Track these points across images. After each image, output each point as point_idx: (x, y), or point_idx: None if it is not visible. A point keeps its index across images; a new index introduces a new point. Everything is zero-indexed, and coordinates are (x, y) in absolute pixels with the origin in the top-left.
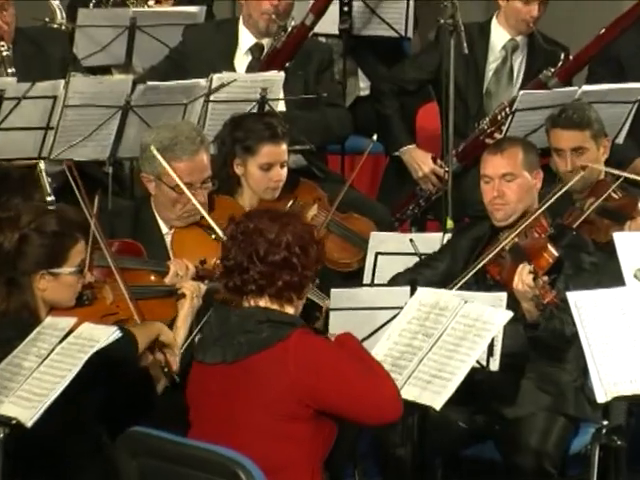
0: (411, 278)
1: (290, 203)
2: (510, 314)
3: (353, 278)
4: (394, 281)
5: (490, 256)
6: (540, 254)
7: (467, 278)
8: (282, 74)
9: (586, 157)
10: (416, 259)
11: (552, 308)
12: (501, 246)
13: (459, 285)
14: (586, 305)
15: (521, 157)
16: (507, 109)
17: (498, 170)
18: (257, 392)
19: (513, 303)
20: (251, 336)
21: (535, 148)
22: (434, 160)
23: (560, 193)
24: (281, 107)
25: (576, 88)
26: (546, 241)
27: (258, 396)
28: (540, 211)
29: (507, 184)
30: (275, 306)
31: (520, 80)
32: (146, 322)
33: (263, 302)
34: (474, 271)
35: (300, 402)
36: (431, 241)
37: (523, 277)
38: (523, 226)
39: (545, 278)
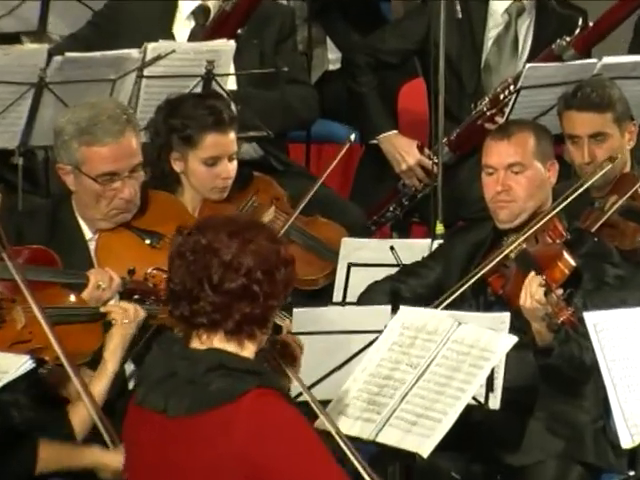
0: (392, 289)
1: (242, 205)
2: (514, 339)
3: (320, 296)
4: (370, 292)
5: (491, 265)
6: (554, 264)
7: (462, 292)
8: (233, 43)
9: (608, 145)
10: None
11: (568, 330)
12: (505, 253)
13: (451, 300)
14: (608, 328)
15: (532, 144)
16: (511, 87)
17: (504, 159)
18: (197, 459)
19: (520, 324)
20: (197, 389)
21: (549, 134)
22: (420, 149)
23: (581, 190)
24: (231, 84)
25: (595, 61)
26: (561, 248)
27: (197, 464)
28: (555, 211)
29: (515, 177)
30: (232, 345)
31: (527, 51)
32: (79, 449)
33: (217, 340)
34: (470, 283)
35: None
36: (417, 249)
37: (532, 291)
38: (533, 229)
39: (560, 292)
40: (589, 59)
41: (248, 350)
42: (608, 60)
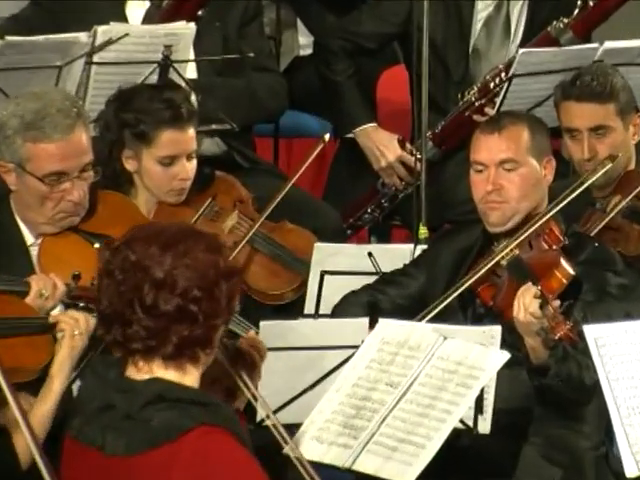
0: (370, 300)
1: (201, 209)
2: (506, 356)
3: (289, 308)
4: (345, 304)
5: (480, 273)
6: (550, 272)
7: (448, 303)
8: (193, 26)
9: (610, 140)
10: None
11: (566, 346)
12: (495, 260)
13: (436, 313)
14: (611, 343)
15: (526, 138)
16: (502, 74)
17: (495, 155)
18: None
19: (513, 339)
20: (136, 426)
21: (545, 127)
22: (402, 144)
23: (580, 190)
24: (191, 72)
25: (597, 45)
26: (558, 254)
27: None
28: (551, 213)
29: (507, 174)
30: (172, 371)
31: (520, 34)
32: None
33: (156, 366)
34: (457, 293)
35: None
36: (398, 255)
37: (526, 303)
38: (527, 233)
39: (557, 304)
40: (589, 44)
41: (191, 376)
42: (611, 45)
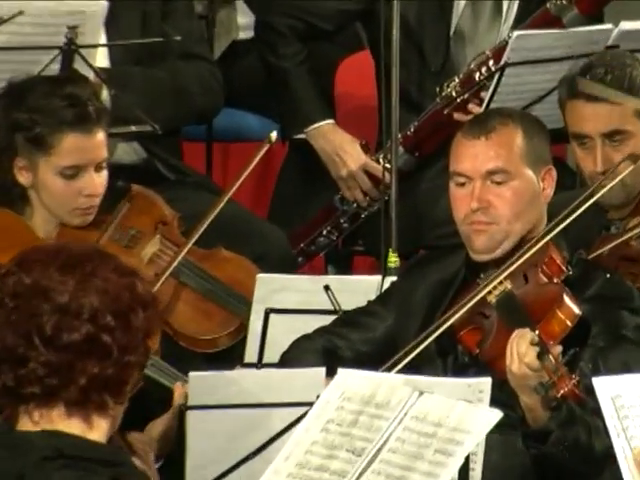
0: (326, 346)
1: (110, 231)
2: (497, 415)
3: (226, 355)
4: (296, 351)
5: (462, 313)
6: (551, 312)
7: (424, 350)
8: (104, 3)
9: (630, 149)
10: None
11: (572, 405)
12: (481, 295)
13: (410, 361)
14: (630, 400)
15: (520, 143)
16: (490, 62)
17: (481, 164)
18: None
19: (505, 395)
20: None
21: (544, 130)
22: (366, 149)
23: (585, 207)
24: (102, 60)
25: (610, 26)
26: (561, 290)
27: None
28: (551, 235)
29: (496, 188)
30: (75, 423)
31: (513, 13)
32: None
33: (56, 415)
34: (434, 337)
35: None
36: (361, 289)
37: (521, 351)
38: (521, 261)
39: (558, 350)
40: (601, 24)
41: (99, 429)
42: (628, 25)
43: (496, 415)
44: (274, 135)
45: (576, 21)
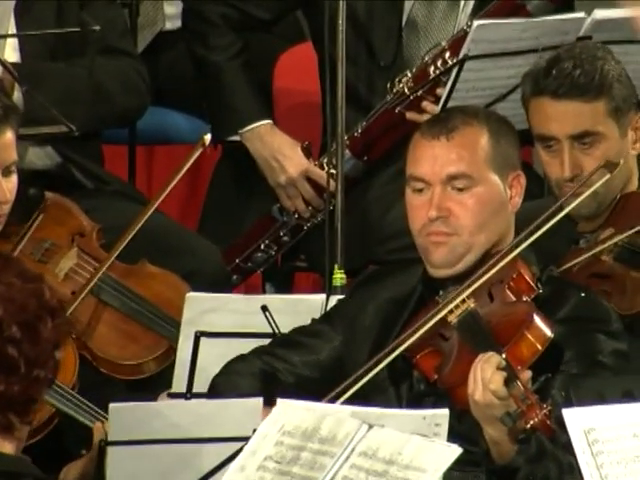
0: (263, 369)
1: (22, 244)
2: (457, 451)
3: (151, 383)
4: (229, 375)
5: (419, 334)
6: (519, 334)
7: (373, 376)
8: None
9: (601, 152)
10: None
11: (542, 439)
12: (441, 315)
13: (358, 390)
14: (608, 437)
15: (485, 146)
16: (446, 55)
17: (441, 168)
18: None
19: (467, 428)
20: None
21: (513, 130)
22: (308, 153)
23: (557, 218)
24: (12, 54)
25: (582, 15)
26: (530, 309)
27: None
28: (519, 249)
29: (457, 195)
30: None
31: (471, 0)
32: None
33: None
34: (387, 362)
35: None
36: (304, 309)
37: (486, 377)
38: (485, 278)
39: (527, 376)
40: (571, 13)
41: (4, 450)
42: (602, 14)
43: (455, 451)
44: (208, 137)
45: (542, 8)
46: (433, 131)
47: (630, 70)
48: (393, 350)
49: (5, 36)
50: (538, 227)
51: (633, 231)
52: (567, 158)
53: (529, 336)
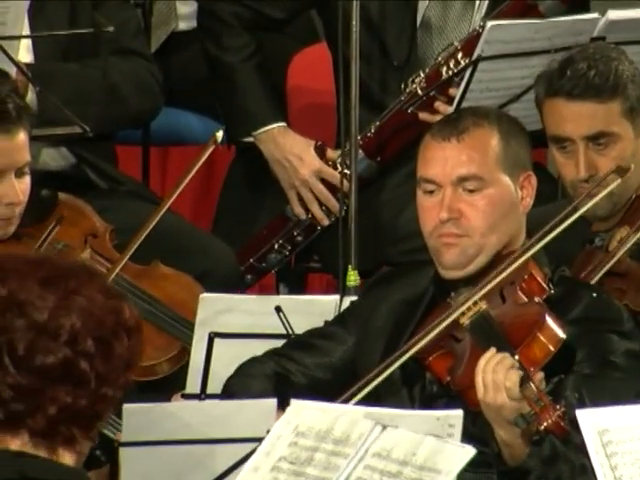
0: (277, 371)
1: (35, 245)
2: (471, 452)
3: (164, 384)
4: (243, 377)
5: (431, 336)
6: (531, 335)
7: (387, 378)
8: None
9: (616, 153)
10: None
11: (555, 441)
12: (453, 317)
13: (371, 391)
14: (619, 435)
15: (496, 147)
16: (459, 55)
17: (452, 170)
18: None
19: (480, 429)
20: None
21: (524, 131)
22: (321, 153)
23: (573, 219)
24: (26, 55)
25: (596, 16)
26: (543, 310)
27: None
28: (532, 252)
29: (468, 197)
30: (41, 452)
31: (487, 0)
32: None
33: (17, 445)
34: (399, 364)
35: None
36: (317, 310)
37: (499, 379)
38: (498, 280)
39: (540, 377)
40: (585, 14)
41: (63, 460)
42: (616, 14)
43: (469, 452)
44: (220, 135)
45: (555, 8)
46: (444, 132)
47: None
48: (405, 352)
49: (19, 37)
50: (551, 229)
51: None
52: (582, 159)
53: (541, 337)
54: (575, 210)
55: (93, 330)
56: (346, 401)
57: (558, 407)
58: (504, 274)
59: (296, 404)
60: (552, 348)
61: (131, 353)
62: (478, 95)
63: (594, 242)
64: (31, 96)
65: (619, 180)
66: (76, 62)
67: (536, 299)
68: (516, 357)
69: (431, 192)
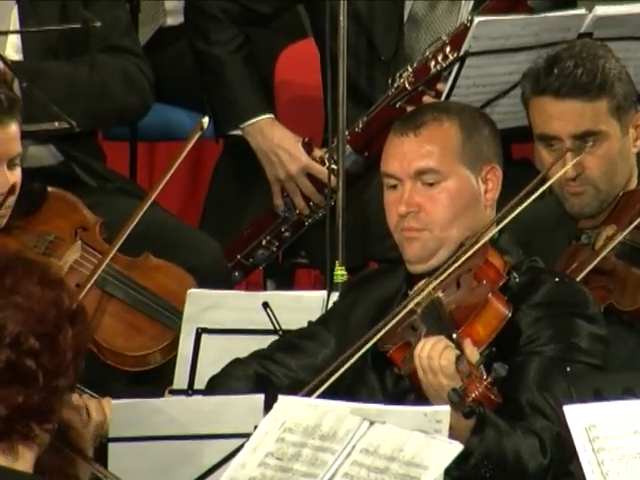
0: (258, 372)
1: (26, 237)
2: (458, 447)
3: (152, 379)
4: (224, 377)
5: (387, 328)
6: (474, 315)
7: (357, 367)
8: None
9: (603, 151)
10: (274, 339)
11: (483, 410)
12: (409, 307)
13: (328, 385)
14: (606, 431)
15: (455, 140)
16: (448, 49)
17: (409, 164)
18: None
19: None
20: None
21: (489, 123)
22: (308, 148)
23: (529, 202)
24: (14, 52)
25: (583, 12)
26: (486, 290)
27: None
28: (488, 237)
29: (427, 190)
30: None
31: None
32: None
33: None
34: (355, 358)
35: None
36: (305, 306)
37: (434, 360)
38: (452, 269)
39: (474, 355)
40: (572, 9)
41: (23, 460)
42: (603, 11)
43: (456, 447)
44: (206, 120)
45: (544, 6)
46: (403, 128)
47: (631, 67)
48: (364, 345)
49: (6, 32)
50: (508, 213)
51: (633, 225)
52: (569, 157)
53: (484, 315)
54: (535, 190)
55: (35, 327)
56: (308, 394)
57: (485, 377)
58: (459, 262)
59: (284, 400)
60: (496, 324)
61: (79, 339)
62: (465, 91)
63: (580, 239)
64: (17, 91)
65: (578, 157)
66: (65, 59)
67: (485, 283)
68: (454, 336)
69: (394, 187)
